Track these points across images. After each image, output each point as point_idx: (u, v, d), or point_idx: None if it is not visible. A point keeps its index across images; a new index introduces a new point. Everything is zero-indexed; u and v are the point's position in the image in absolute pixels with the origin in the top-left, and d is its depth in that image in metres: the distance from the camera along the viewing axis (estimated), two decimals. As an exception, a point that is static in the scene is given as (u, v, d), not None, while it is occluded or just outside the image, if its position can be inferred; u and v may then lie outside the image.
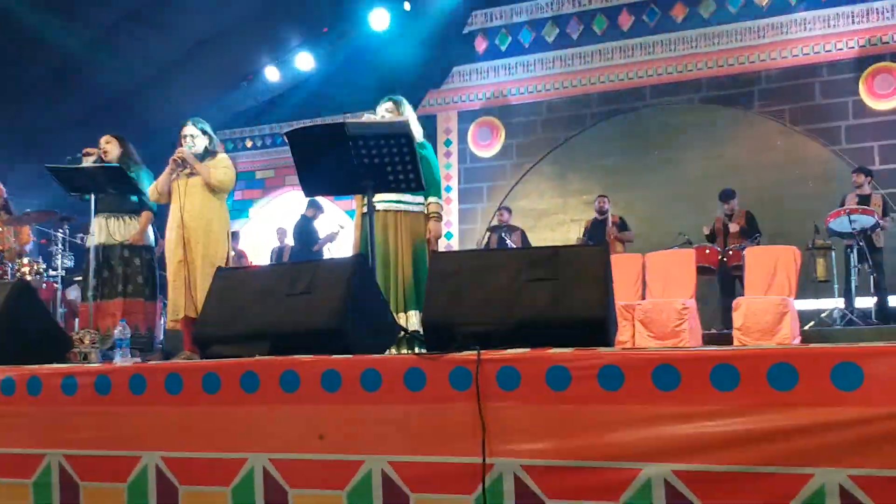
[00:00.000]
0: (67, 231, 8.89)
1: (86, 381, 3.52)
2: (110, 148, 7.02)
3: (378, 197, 5.59)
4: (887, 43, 11.76)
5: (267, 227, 14.83)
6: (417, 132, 5.87)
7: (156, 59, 12.74)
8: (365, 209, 5.53)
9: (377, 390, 3.02)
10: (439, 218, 5.89)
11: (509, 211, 12.39)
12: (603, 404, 2.72)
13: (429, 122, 12.09)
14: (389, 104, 5.92)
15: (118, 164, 6.78)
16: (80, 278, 7.90)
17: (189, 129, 6.56)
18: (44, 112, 12.49)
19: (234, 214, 14.12)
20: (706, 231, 10.64)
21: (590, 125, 13.42)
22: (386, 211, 5.71)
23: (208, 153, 6.57)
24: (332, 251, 12.60)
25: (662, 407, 2.65)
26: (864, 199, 9.80)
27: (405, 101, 6.02)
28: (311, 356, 3.18)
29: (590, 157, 13.36)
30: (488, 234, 12.15)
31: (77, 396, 3.52)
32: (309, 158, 4.60)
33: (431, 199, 5.83)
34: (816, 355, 2.53)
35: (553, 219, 13.46)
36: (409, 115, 5.97)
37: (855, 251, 9.51)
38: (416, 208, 5.82)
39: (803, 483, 2.46)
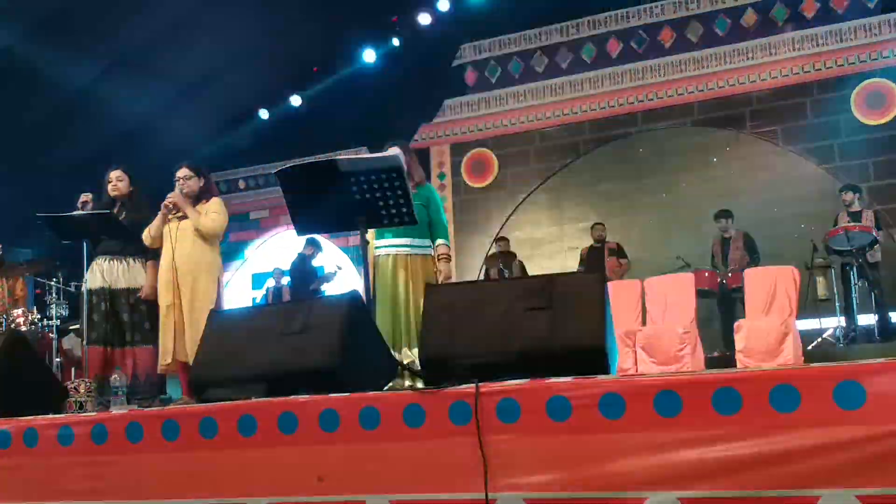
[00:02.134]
0: (62, 279, 8.83)
1: (82, 431, 3.49)
2: (122, 186, 6.85)
3: (388, 241, 5.76)
4: (876, 59, 11.77)
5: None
6: (418, 174, 6.02)
7: (147, 103, 12.76)
8: (377, 251, 5.74)
9: (376, 428, 2.99)
10: (448, 259, 5.95)
11: (506, 241, 12.37)
12: (605, 433, 2.70)
13: (422, 156, 12.05)
14: (396, 148, 5.83)
15: (108, 211, 6.62)
16: (76, 326, 7.78)
17: (183, 172, 6.46)
18: (37, 160, 12.51)
19: (230, 257, 14.05)
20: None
21: (583, 153, 13.43)
22: (398, 255, 5.78)
23: (202, 196, 6.50)
24: (329, 290, 12.53)
25: (665, 433, 2.62)
26: (856, 216, 9.80)
27: (408, 146, 6.11)
28: (308, 396, 3.15)
29: (584, 184, 13.37)
30: (485, 265, 12.11)
31: (74, 447, 3.49)
32: (300, 197, 4.59)
33: (440, 241, 5.90)
34: (818, 375, 2.52)
35: (550, 247, 13.41)
36: (413, 157, 6.05)
37: (854, 268, 9.49)
38: (426, 251, 5.88)
39: (811, 505, 2.42)
